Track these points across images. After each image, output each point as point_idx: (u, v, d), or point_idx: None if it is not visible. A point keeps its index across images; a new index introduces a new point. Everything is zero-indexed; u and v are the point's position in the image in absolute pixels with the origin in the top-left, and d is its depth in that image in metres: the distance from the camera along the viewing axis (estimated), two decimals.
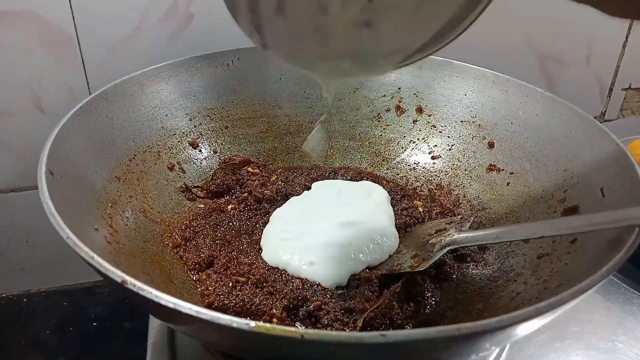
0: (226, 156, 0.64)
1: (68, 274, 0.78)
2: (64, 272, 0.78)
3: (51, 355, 0.71)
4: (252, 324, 0.30)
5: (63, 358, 0.71)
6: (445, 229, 0.53)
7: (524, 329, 0.36)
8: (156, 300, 0.31)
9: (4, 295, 0.77)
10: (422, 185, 0.65)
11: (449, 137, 0.66)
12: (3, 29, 0.62)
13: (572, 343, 0.54)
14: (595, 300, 0.59)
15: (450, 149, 0.65)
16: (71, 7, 0.63)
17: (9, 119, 0.67)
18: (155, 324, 0.54)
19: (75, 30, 0.65)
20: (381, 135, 0.68)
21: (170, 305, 0.31)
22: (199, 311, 0.30)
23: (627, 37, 0.85)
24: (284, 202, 0.59)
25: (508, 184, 0.59)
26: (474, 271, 0.53)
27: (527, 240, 0.52)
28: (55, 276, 0.78)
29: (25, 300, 0.78)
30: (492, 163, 0.61)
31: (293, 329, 0.29)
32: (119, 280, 0.33)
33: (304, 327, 0.45)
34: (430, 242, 0.51)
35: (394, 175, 0.66)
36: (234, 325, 0.29)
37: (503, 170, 0.60)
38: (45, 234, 0.73)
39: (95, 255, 0.34)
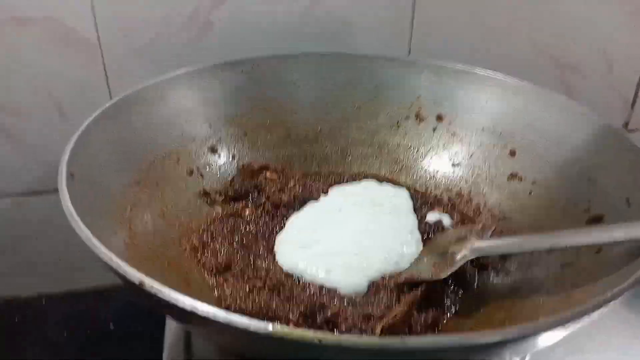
0: (245, 162, 0.64)
1: (84, 277, 0.78)
2: (80, 275, 0.78)
3: (66, 358, 0.71)
4: (270, 327, 0.29)
5: None
6: (466, 237, 0.52)
7: (546, 340, 0.35)
8: (173, 302, 0.31)
9: (20, 297, 0.78)
10: (442, 193, 0.64)
11: (469, 144, 0.65)
12: (26, 34, 0.63)
13: (592, 357, 0.52)
14: (620, 313, 0.57)
15: (470, 157, 0.64)
16: (94, 14, 0.64)
17: (29, 123, 0.68)
18: (172, 328, 0.54)
19: (98, 36, 0.65)
20: (400, 143, 0.68)
21: (188, 307, 0.31)
22: (216, 313, 0.30)
23: None
24: (302, 208, 0.59)
25: (530, 193, 0.58)
26: (495, 280, 0.52)
27: (550, 250, 0.51)
28: (71, 279, 0.79)
29: (42, 302, 0.78)
30: (514, 172, 0.60)
31: (311, 332, 0.29)
32: (137, 282, 0.33)
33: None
34: (450, 250, 0.51)
35: (413, 183, 0.66)
36: (251, 328, 0.29)
37: (525, 179, 0.59)
38: (62, 237, 0.74)
39: (114, 257, 0.34)
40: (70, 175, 0.43)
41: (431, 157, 0.66)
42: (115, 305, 0.77)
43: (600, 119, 0.54)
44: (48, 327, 0.75)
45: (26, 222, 0.74)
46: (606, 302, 0.34)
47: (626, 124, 0.89)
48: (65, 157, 0.44)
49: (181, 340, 0.52)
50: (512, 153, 0.61)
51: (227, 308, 0.45)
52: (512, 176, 0.60)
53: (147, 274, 0.42)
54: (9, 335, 0.73)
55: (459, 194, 0.63)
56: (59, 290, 0.79)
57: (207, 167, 0.61)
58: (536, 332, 0.31)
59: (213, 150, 0.62)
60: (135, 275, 0.33)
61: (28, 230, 0.75)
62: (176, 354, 0.51)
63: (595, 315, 0.34)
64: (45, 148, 0.70)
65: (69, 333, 0.74)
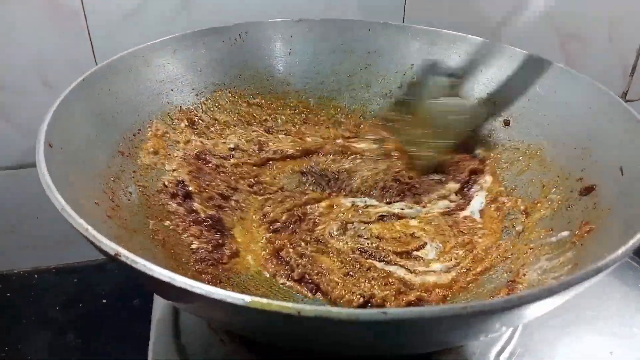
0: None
1: (78, 250, 0.78)
2: (75, 249, 0.78)
3: (60, 332, 0.71)
4: (248, 298, 0.28)
5: (72, 334, 0.71)
6: None
7: (534, 310, 0.34)
8: (149, 273, 0.30)
9: (14, 271, 0.78)
10: None
11: None
12: (9, 4, 0.61)
13: (587, 328, 0.52)
14: (613, 284, 0.57)
15: None
16: None
17: (16, 95, 0.67)
18: (160, 302, 0.53)
19: (82, 3, 0.64)
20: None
21: (165, 279, 0.30)
22: (193, 285, 0.29)
23: None
24: None
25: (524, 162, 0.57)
26: None
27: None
28: (66, 253, 0.78)
29: (35, 276, 0.78)
30: (508, 141, 0.59)
31: (290, 304, 0.28)
32: (112, 252, 0.32)
33: None
34: None
35: None
36: (229, 300, 0.28)
37: (519, 149, 0.58)
38: (54, 210, 0.73)
39: (90, 228, 0.33)
40: (49, 146, 0.41)
41: None
42: (108, 279, 0.77)
43: (598, 88, 0.53)
44: (41, 302, 0.75)
45: (17, 196, 0.73)
46: (595, 272, 0.33)
47: (625, 94, 0.88)
48: (44, 127, 0.43)
49: (169, 315, 0.51)
50: (507, 123, 0.60)
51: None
52: (507, 147, 0.59)
53: (130, 246, 0.41)
54: (1, 310, 0.73)
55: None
56: (52, 265, 0.79)
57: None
58: (522, 302, 0.30)
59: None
60: (110, 246, 0.32)
61: (19, 204, 0.74)
62: (164, 328, 0.50)
63: (584, 285, 0.33)
64: (32, 120, 0.68)
65: (62, 307, 0.74)
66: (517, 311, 0.32)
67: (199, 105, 0.61)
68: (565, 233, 0.47)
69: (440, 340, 0.36)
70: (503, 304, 0.30)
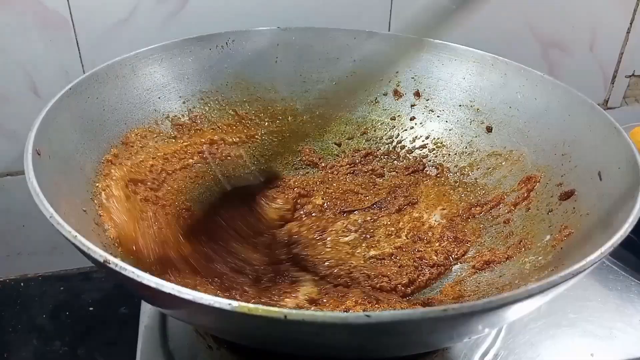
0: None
1: (65, 258, 0.78)
2: (61, 257, 0.78)
3: (47, 340, 0.71)
4: (235, 303, 0.29)
5: (59, 342, 0.71)
6: None
7: (515, 311, 0.35)
8: (138, 280, 0.31)
9: (0, 280, 0.77)
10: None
11: (446, 121, 0.65)
12: None
13: (568, 330, 0.53)
14: (593, 288, 0.58)
15: (448, 134, 0.64)
16: None
17: (4, 103, 0.67)
18: (147, 308, 0.53)
19: (70, 12, 0.64)
20: (378, 119, 0.67)
21: (153, 285, 0.30)
22: (181, 291, 0.30)
23: (631, 24, 0.84)
24: None
25: (506, 168, 0.58)
26: None
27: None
28: (52, 261, 0.78)
29: (22, 284, 0.78)
30: (490, 148, 0.60)
31: (276, 309, 0.29)
32: (101, 259, 0.32)
33: None
34: None
35: (390, 160, 0.65)
36: (216, 305, 0.29)
37: (501, 155, 0.59)
38: (41, 218, 0.72)
39: (78, 235, 0.33)
40: (37, 154, 0.42)
41: (409, 134, 0.66)
42: (95, 287, 0.77)
43: (577, 95, 0.54)
44: (28, 310, 0.74)
45: (3, 204, 0.73)
46: (573, 274, 0.34)
47: (606, 101, 0.89)
48: (32, 135, 0.43)
49: (157, 322, 0.51)
50: (489, 129, 0.61)
51: None
52: (489, 153, 0.60)
53: (119, 253, 0.42)
54: None
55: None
56: (39, 273, 0.79)
57: None
58: (502, 304, 0.31)
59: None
60: (99, 253, 0.32)
61: (5, 212, 0.74)
62: (151, 335, 0.50)
63: (564, 287, 0.34)
64: (19, 128, 0.68)
65: (49, 315, 0.74)
66: (497, 313, 0.33)
67: (186, 113, 0.62)
68: (546, 237, 0.49)
69: (425, 342, 0.37)
70: (482, 306, 0.30)
